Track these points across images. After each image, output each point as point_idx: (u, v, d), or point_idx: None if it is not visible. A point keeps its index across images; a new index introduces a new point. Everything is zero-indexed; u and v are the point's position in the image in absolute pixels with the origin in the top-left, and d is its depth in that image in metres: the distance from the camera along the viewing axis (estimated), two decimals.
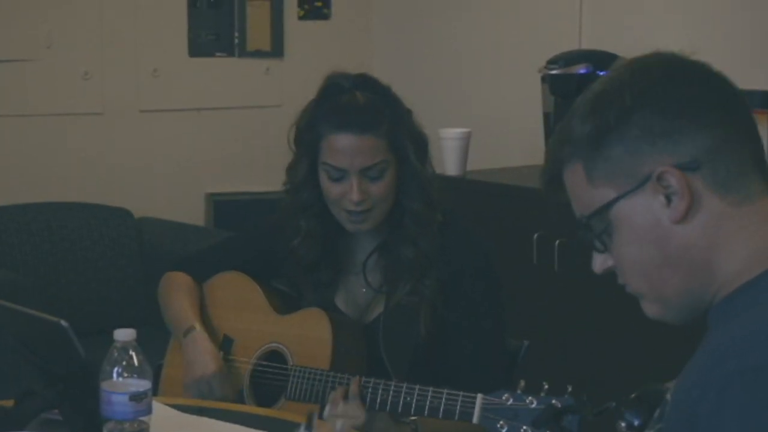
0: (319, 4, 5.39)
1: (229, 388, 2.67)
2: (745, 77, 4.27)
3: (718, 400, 1.39)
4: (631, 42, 4.42)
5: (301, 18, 5.38)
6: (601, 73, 4.23)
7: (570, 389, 2.13)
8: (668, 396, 1.58)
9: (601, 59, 4.19)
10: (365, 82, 2.67)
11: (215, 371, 2.65)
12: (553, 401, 2.14)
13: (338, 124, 2.60)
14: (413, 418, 2.43)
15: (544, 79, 4.29)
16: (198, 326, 2.72)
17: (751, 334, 1.43)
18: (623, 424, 1.72)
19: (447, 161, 4.23)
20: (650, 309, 1.61)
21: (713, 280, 1.54)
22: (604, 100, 1.56)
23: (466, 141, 4.27)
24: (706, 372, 1.42)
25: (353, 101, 2.62)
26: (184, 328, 2.74)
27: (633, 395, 1.74)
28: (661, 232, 1.54)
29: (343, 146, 2.59)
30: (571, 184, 1.61)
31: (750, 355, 1.40)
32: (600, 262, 1.62)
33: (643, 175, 1.53)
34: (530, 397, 2.18)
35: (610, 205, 1.56)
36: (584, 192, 1.59)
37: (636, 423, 1.70)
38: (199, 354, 2.68)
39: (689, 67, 1.59)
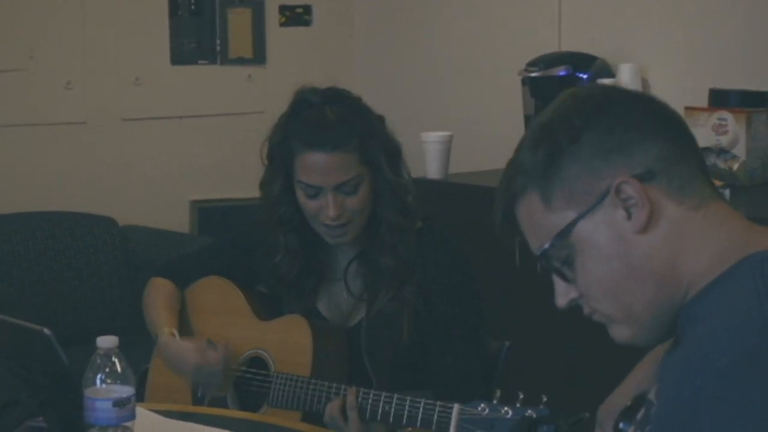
0: (300, 11, 5.40)
1: (217, 375, 2.68)
2: (721, 77, 4.30)
3: (720, 395, 1.39)
4: (609, 44, 4.44)
5: (282, 25, 5.39)
6: (581, 75, 4.27)
7: (545, 399, 2.15)
8: (651, 396, 1.60)
9: (580, 61, 4.22)
10: (335, 96, 2.65)
11: (195, 364, 2.66)
12: (528, 412, 2.15)
13: (309, 142, 2.58)
14: (409, 429, 2.44)
15: (524, 81, 4.31)
16: (166, 331, 2.74)
17: (733, 326, 1.44)
18: None
19: (429, 165, 4.24)
20: (620, 332, 1.61)
21: (679, 287, 1.55)
22: (553, 126, 1.58)
23: (448, 144, 4.28)
24: (697, 368, 1.43)
25: (323, 118, 2.60)
26: (155, 334, 2.76)
27: (627, 404, 1.76)
28: (624, 245, 1.55)
29: (316, 164, 2.58)
30: (526, 216, 1.61)
31: (739, 346, 1.42)
32: (563, 294, 1.62)
33: (600, 191, 1.55)
34: (506, 408, 2.19)
35: (570, 226, 1.56)
36: (542, 219, 1.59)
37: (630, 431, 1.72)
38: (173, 357, 2.70)
39: (629, 92, 1.64)
